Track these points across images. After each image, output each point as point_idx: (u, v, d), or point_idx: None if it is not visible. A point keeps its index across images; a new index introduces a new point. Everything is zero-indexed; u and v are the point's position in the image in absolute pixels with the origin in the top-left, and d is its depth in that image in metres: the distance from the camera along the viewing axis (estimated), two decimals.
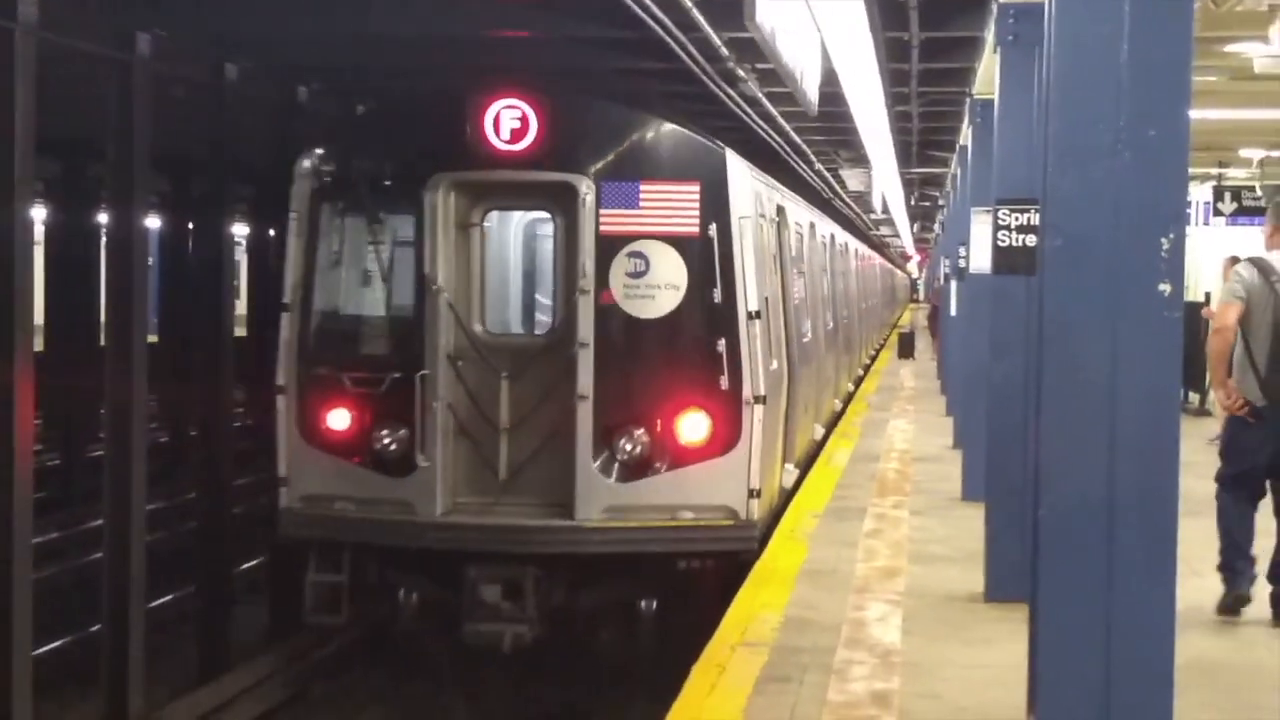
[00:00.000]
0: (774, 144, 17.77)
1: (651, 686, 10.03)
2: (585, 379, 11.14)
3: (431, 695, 12.03)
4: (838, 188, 25.88)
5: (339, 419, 11.49)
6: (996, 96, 9.85)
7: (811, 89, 9.06)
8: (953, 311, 19.92)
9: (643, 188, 11.33)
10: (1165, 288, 4.87)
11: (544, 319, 12.03)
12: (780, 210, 14.13)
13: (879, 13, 10.51)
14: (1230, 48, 11.59)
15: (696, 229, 11.28)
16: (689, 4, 9.80)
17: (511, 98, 11.23)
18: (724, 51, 11.43)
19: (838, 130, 17.20)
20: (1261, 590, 8.88)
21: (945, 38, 12.45)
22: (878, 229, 43.85)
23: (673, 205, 11.34)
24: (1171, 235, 4.86)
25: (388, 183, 11.60)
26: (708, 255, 11.29)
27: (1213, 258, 16.30)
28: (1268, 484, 8.82)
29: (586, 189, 11.19)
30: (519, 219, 12.33)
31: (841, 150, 20.71)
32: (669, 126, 11.64)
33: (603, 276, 11.23)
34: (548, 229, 11.85)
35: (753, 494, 11.35)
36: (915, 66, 13.32)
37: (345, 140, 12.44)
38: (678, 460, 11.29)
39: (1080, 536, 4.91)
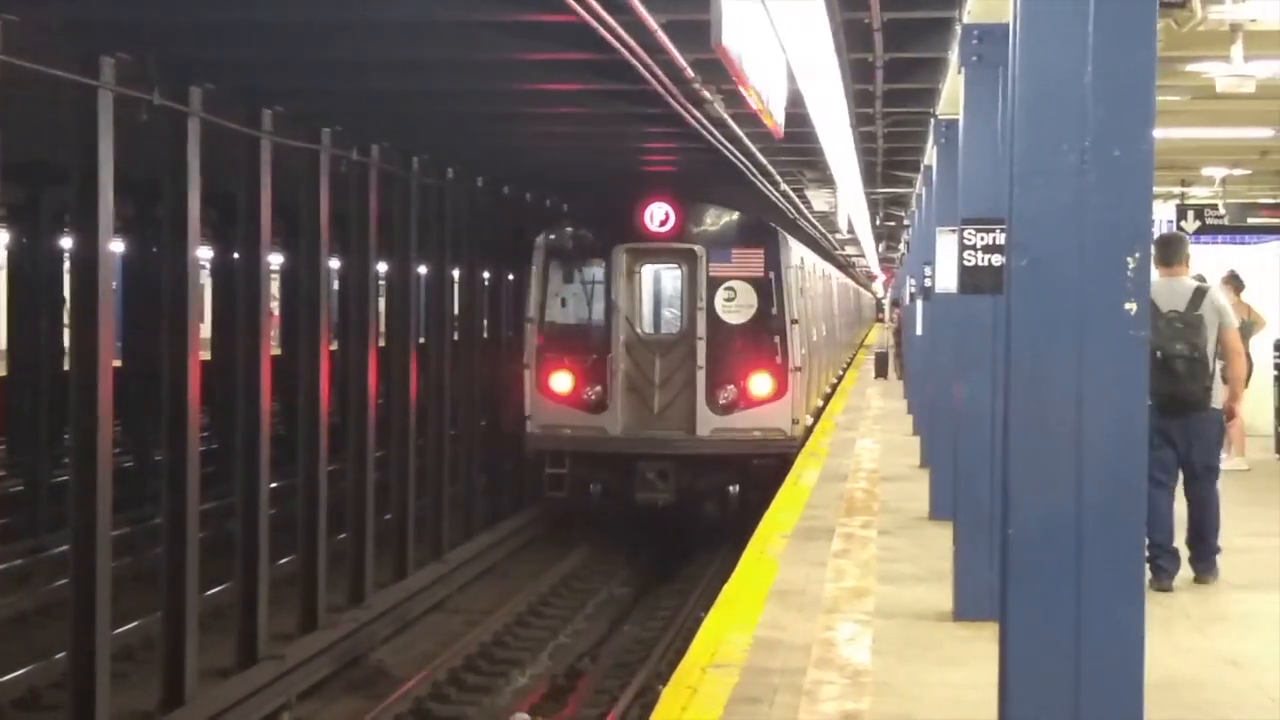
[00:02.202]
0: (740, 165, 17.82)
1: (734, 536, 16.77)
2: (701, 357, 20.20)
3: (610, 541, 21.08)
4: (803, 208, 25.93)
5: (562, 382, 20.44)
6: (961, 117, 9.87)
7: (778, 110, 9.10)
8: (919, 331, 19.97)
9: (733, 251, 20.57)
10: (1131, 307, 4.89)
11: (673, 324, 20.90)
12: (802, 260, 23.15)
13: (844, 34, 10.55)
14: (1192, 67, 11.65)
15: (763, 273, 20.44)
16: (655, 27, 9.82)
17: (660, 201, 20.49)
18: (689, 73, 11.47)
19: (803, 151, 17.25)
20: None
21: (909, 59, 12.49)
22: (843, 249, 43.93)
23: (750, 261, 20.54)
24: (1137, 255, 4.88)
25: (589, 249, 20.74)
26: (769, 288, 20.40)
27: None
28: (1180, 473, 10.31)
29: (702, 252, 20.45)
30: (651, 268, 21.05)
31: (807, 171, 20.75)
32: (747, 216, 21.08)
33: (710, 300, 20.31)
34: (672, 274, 20.91)
35: (794, 422, 20.43)
36: (880, 87, 13.35)
37: (563, 225, 21.32)
38: (751, 403, 20.22)
39: (1049, 554, 4.92)
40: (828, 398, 28.76)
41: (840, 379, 35.54)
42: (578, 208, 23.33)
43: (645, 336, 20.66)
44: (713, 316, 20.33)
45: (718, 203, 21.20)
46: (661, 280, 21.22)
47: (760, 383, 20.17)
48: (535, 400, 20.49)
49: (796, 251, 22.25)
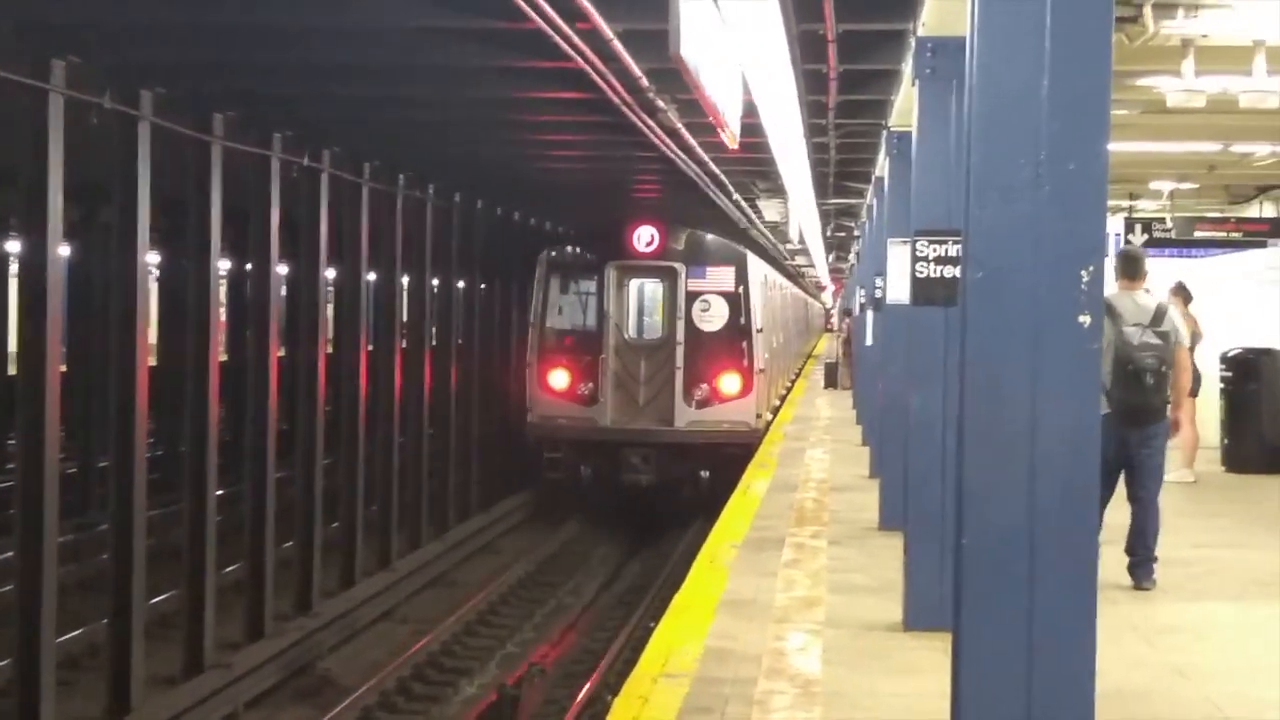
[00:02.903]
0: (692, 175, 17.85)
1: (705, 513, 19.60)
2: (679, 359, 23.33)
3: (599, 515, 23.92)
4: (755, 218, 26.00)
5: (560, 378, 23.43)
6: (915, 129, 9.91)
7: (734, 121, 9.12)
8: (868, 341, 20.04)
9: (708, 269, 23.64)
10: (1085, 319, 4.92)
11: (656, 330, 23.91)
12: (765, 276, 27.20)
13: (799, 46, 10.58)
14: (1143, 81, 11.74)
15: (733, 288, 23.59)
16: (610, 35, 9.83)
17: (646, 225, 23.71)
18: (644, 82, 11.48)
19: (756, 161, 17.28)
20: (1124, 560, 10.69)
21: (863, 70, 12.53)
22: (793, 259, 44.05)
23: (721, 277, 23.66)
24: (1091, 268, 4.92)
25: (585, 266, 23.83)
26: (738, 301, 23.57)
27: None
28: (1121, 476, 10.66)
29: (681, 269, 23.61)
30: (638, 282, 24.04)
31: (759, 181, 20.80)
32: (720, 239, 24.55)
33: (688, 311, 23.46)
34: (655, 288, 23.92)
35: (758, 416, 23.68)
36: (833, 99, 13.39)
37: (564, 244, 24.56)
38: (722, 399, 23.30)
39: (1002, 564, 4.95)
40: (783, 398, 32.40)
41: (793, 384, 38.12)
42: (575, 230, 26.57)
43: (632, 341, 23.79)
44: (690, 325, 23.52)
45: (694, 227, 24.34)
46: (646, 293, 24.18)
47: (729, 382, 23.42)
48: (535, 394, 23.62)
49: (760, 269, 26.14)
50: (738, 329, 23.56)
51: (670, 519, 23.32)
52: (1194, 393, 16.91)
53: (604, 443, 23.24)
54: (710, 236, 24.35)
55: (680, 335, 23.44)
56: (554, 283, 23.90)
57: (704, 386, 23.30)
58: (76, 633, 14.86)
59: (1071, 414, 4.96)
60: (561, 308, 23.84)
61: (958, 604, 5.04)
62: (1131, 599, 10.32)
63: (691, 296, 23.56)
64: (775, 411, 28.20)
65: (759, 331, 23.84)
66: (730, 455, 22.28)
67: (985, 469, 4.98)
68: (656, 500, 23.57)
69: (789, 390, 35.39)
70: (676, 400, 23.25)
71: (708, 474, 22.91)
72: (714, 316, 23.60)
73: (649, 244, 23.68)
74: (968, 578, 4.99)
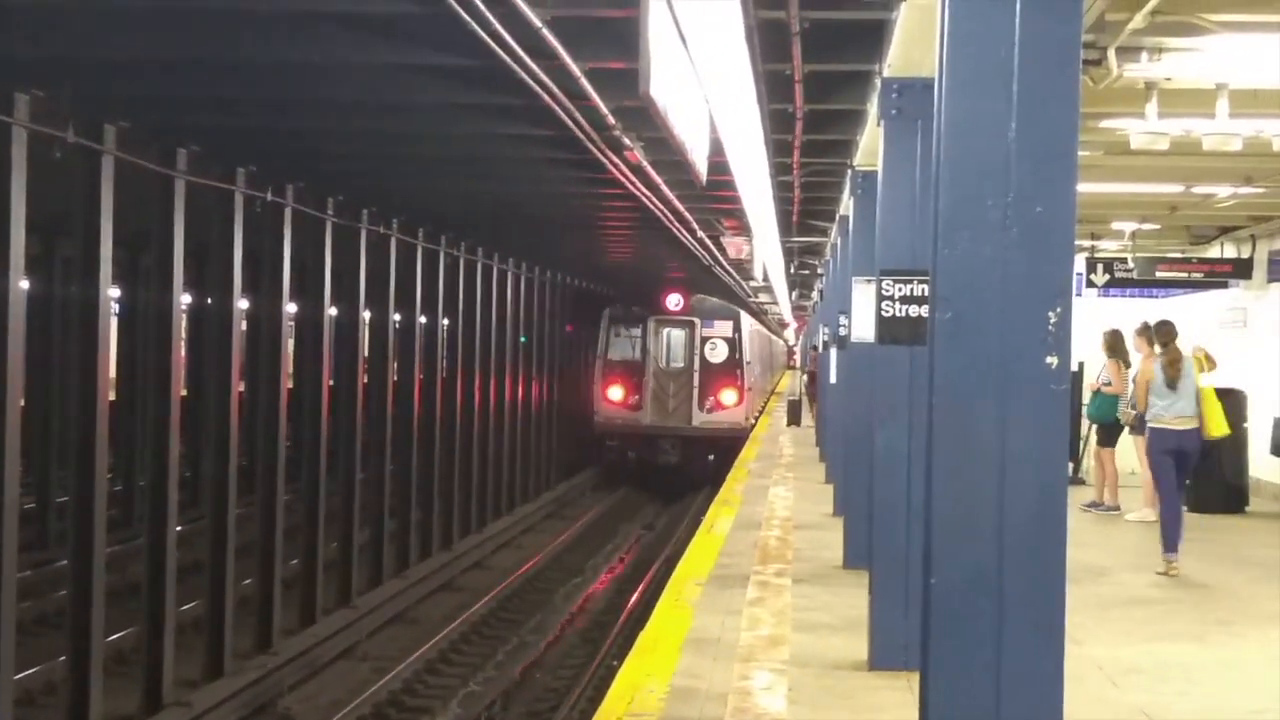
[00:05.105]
0: (657, 211, 17.87)
1: (710, 485, 28.44)
2: (695, 380, 35.35)
3: (642, 482, 35.12)
4: (719, 256, 26.04)
5: (617, 393, 35.32)
6: (880, 168, 9.95)
7: (701, 160, 9.13)
8: (832, 379, 20.05)
9: (715, 321, 35.94)
10: (1052, 360, 4.94)
11: (679, 361, 35.39)
12: (751, 325, 38.79)
13: (765, 85, 10.62)
14: (1107, 123, 11.80)
15: (731, 334, 35.72)
16: (578, 73, 9.84)
17: (675, 293, 35.61)
18: (610, 120, 11.49)
19: (721, 199, 17.31)
20: None
21: (828, 110, 12.58)
22: (757, 296, 44.14)
23: (724, 327, 35.92)
24: (1058, 309, 4.94)
25: (634, 318, 35.66)
26: (734, 342, 35.61)
27: (1085, 328, 16.68)
28: None
29: (698, 322, 35.70)
30: (668, 329, 35.44)
31: (724, 219, 20.83)
32: (724, 302, 36.97)
33: (701, 349, 35.47)
34: (680, 333, 35.59)
35: (746, 418, 36.22)
36: (799, 138, 13.43)
37: (619, 305, 35.99)
38: (723, 408, 35.21)
39: (971, 604, 4.95)
40: (762, 409, 43.85)
41: (764, 407, 47.22)
42: (626, 299, 36.84)
43: (664, 369, 35.17)
44: (702, 358, 35.12)
45: (706, 293, 35.79)
46: (674, 337, 35.37)
47: (728, 396, 34.96)
48: (600, 405, 35.27)
49: (749, 321, 38.25)
50: (734, 361, 35.16)
51: (688, 484, 33.67)
52: None
53: (646, 436, 34.85)
54: (716, 300, 36.18)
55: (696, 365, 35.03)
56: (612, 329, 35.46)
57: (711, 399, 34.83)
58: (33, 670, 14.72)
59: (1039, 454, 4.97)
60: (617, 346, 35.28)
61: (925, 644, 5.03)
62: (1096, 640, 10.33)
63: (704, 339, 35.20)
64: (757, 417, 40.32)
65: (748, 363, 35.59)
66: (728, 444, 32.74)
67: (954, 509, 4.98)
68: (680, 473, 34.40)
69: (765, 404, 47.31)
70: (693, 408, 34.84)
71: (713, 456, 33.56)
72: (719, 353, 35.26)
73: (677, 304, 35.33)
74: (936, 618, 4.99)
